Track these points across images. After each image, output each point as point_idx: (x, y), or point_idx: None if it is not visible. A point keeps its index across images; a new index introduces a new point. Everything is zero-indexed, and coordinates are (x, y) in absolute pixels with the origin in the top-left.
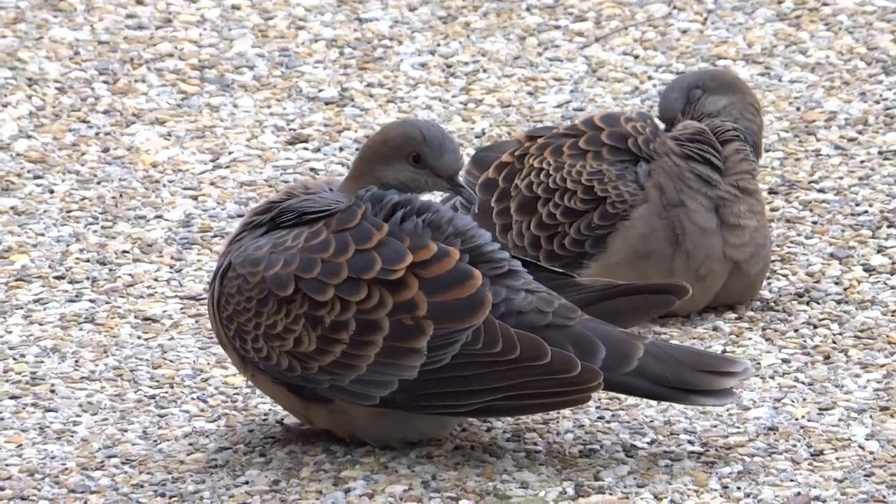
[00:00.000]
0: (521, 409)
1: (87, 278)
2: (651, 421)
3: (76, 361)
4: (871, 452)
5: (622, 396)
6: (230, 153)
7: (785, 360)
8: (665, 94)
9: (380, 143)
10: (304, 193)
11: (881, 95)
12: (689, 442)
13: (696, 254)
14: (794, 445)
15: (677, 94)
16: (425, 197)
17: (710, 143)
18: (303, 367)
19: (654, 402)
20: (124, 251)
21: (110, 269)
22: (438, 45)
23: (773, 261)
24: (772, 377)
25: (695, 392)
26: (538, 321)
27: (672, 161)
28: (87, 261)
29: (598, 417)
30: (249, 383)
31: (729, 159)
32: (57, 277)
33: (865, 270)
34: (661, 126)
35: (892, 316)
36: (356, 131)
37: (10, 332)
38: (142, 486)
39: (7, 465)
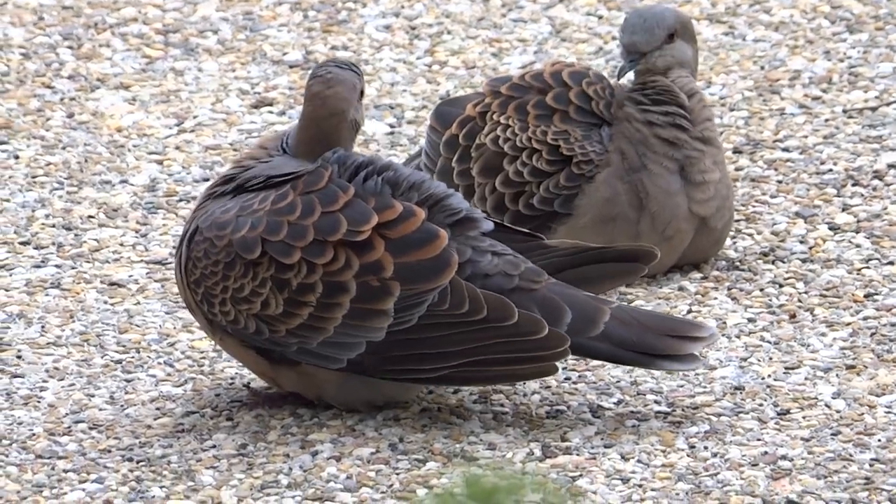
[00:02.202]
0: (488, 378)
1: (53, 244)
2: (617, 381)
3: (42, 327)
4: (838, 411)
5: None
6: (195, 117)
7: (751, 320)
8: (647, 29)
9: (347, 92)
10: (261, 159)
11: (845, 54)
12: (656, 402)
13: (662, 215)
14: (761, 405)
15: (659, 32)
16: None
17: (679, 102)
18: (270, 330)
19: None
20: (90, 216)
21: (76, 235)
22: (402, 7)
23: (738, 220)
24: (738, 336)
25: (661, 357)
26: (505, 284)
27: (634, 127)
28: (53, 226)
29: (565, 378)
30: (217, 347)
31: (693, 111)
32: (22, 243)
33: (830, 229)
34: (623, 81)
35: (858, 274)
36: None
37: None
38: (109, 451)
39: None
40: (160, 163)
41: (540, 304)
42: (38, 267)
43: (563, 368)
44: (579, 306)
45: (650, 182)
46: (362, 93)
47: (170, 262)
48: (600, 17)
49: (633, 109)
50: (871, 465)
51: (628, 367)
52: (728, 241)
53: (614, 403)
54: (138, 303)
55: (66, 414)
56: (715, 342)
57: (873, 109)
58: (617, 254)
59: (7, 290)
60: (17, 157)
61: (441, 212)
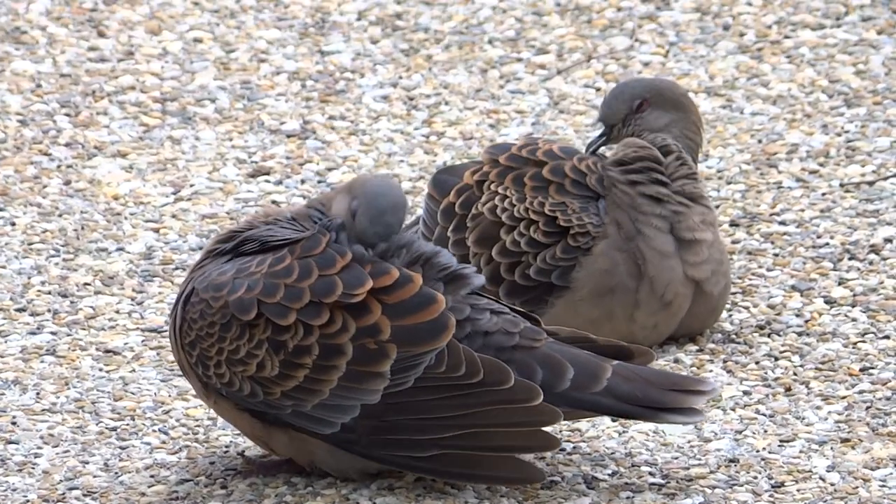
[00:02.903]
0: (483, 451)
1: (49, 310)
2: (612, 452)
3: (37, 393)
4: (832, 484)
5: (583, 428)
6: (192, 186)
7: (746, 392)
8: (609, 101)
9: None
10: (265, 223)
11: (843, 128)
12: (651, 473)
13: (660, 279)
14: (756, 477)
15: (622, 104)
16: None
17: (654, 157)
18: (265, 392)
19: (615, 434)
20: (86, 283)
21: (72, 302)
22: (400, 77)
23: (734, 293)
24: (733, 409)
25: (664, 410)
26: (505, 342)
27: (621, 190)
28: (49, 293)
29: (560, 449)
30: (211, 413)
31: (669, 167)
32: (18, 310)
33: (826, 302)
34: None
35: (853, 348)
36: (318, 164)
37: None
38: None
39: None
40: (156, 231)
41: (541, 362)
42: (34, 334)
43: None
44: (581, 363)
45: (646, 246)
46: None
47: (165, 330)
48: (598, 90)
49: (616, 173)
50: None
51: (623, 438)
52: (724, 314)
53: (609, 475)
54: (133, 370)
55: (61, 481)
56: (716, 396)
57: (870, 184)
58: (613, 352)
59: (2, 357)
60: (13, 224)
61: (431, 269)
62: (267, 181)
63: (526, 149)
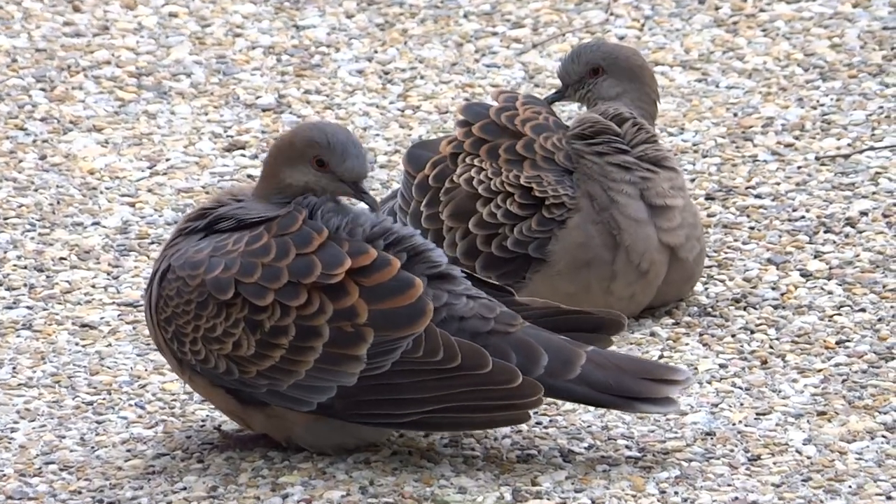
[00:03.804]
0: (459, 424)
1: (25, 285)
2: (589, 426)
3: (14, 368)
4: (809, 457)
5: (560, 402)
6: (167, 160)
7: (722, 366)
8: (566, 62)
9: (286, 146)
10: (234, 200)
11: (818, 101)
12: (627, 447)
13: (636, 247)
14: (732, 450)
15: (578, 66)
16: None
17: (610, 128)
18: (241, 371)
19: (591, 408)
20: (61, 258)
21: (48, 276)
22: (376, 51)
23: (710, 266)
24: (709, 382)
25: (637, 399)
26: (481, 327)
27: (590, 161)
28: (25, 267)
29: (536, 423)
30: (187, 387)
31: (627, 135)
32: None
33: (802, 276)
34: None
35: (829, 321)
36: None
37: None
38: (80, 493)
39: None
40: (132, 205)
41: (516, 347)
42: (10, 308)
43: (535, 413)
44: (555, 350)
45: (619, 214)
46: (319, 162)
47: (141, 305)
48: None
49: (581, 145)
50: None
51: (599, 412)
52: (700, 287)
53: (585, 448)
54: (110, 345)
55: (37, 455)
56: (690, 386)
57: (846, 157)
58: (585, 322)
59: None
60: None
61: (422, 263)
62: (242, 155)
63: (504, 114)
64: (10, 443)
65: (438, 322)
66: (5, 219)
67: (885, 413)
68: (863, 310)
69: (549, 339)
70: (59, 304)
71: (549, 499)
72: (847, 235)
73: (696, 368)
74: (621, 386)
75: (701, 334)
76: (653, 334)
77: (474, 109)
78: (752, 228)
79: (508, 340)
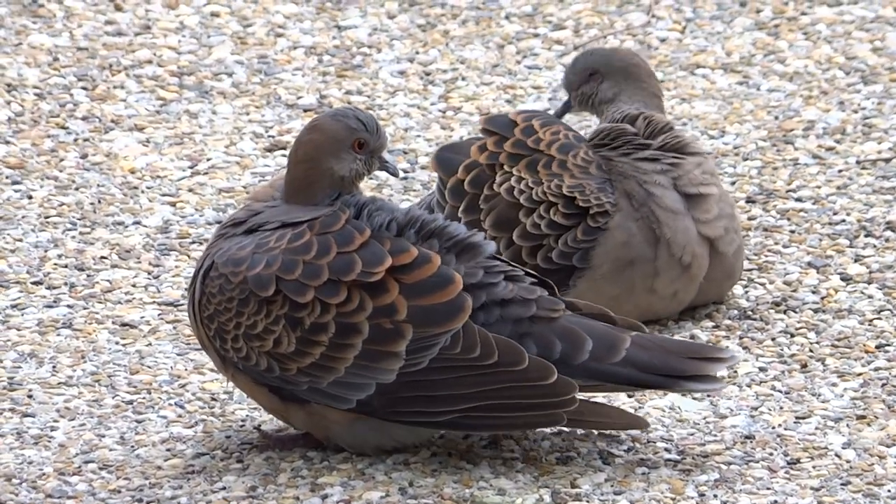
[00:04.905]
0: (495, 424)
1: (65, 284)
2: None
3: (54, 367)
4: (848, 461)
5: (599, 402)
6: (208, 160)
7: (762, 369)
8: (566, 71)
9: (328, 141)
10: (270, 207)
11: (859, 105)
12: (666, 450)
13: (676, 240)
14: (771, 454)
15: (575, 74)
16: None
17: (625, 130)
18: (281, 367)
19: (630, 410)
20: (102, 257)
21: (88, 275)
22: (417, 52)
23: (750, 269)
24: (749, 385)
25: (684, 378)
26: (523, 313)
27: (620, 162)
28: (66, 266)
29: None
30: (229, 385)
31: (641, 131)
32: (35, 283)
33: (843, 279)
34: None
35: (869, 325)
36: None
37: None
38: (119, 492)
39: None
40: (173, 205)
41: (560, 334)
42: (50, 307)
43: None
44: (599, 335)
45: (657, 207)
46: (360, 144)
47: (181, 304)
48: None
49: (605, 152)
50: None
51: (639, 412)
52: (740, 290)
53: (624, 451)
54: (150, 344)
55: (77, 454)
56: (736, 364)
57: (887, 160)
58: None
59: (19, 330)
60: (30, 198)
61: (441, 238)
62: (283, 156)
63: (529, 139)
64: (49, 441)
65: (479, 307)
66: (46, 217)
67: None
68: None
69: (592, 325)
70: (100, 303)
71: (588, 501)
72: (887, 239)
73: (735, 372)
74: (666, 365)
75: (741, 337)
76: (692, 337)
77: (499, 121)
78: (792, 232)
79: (552, 328)
